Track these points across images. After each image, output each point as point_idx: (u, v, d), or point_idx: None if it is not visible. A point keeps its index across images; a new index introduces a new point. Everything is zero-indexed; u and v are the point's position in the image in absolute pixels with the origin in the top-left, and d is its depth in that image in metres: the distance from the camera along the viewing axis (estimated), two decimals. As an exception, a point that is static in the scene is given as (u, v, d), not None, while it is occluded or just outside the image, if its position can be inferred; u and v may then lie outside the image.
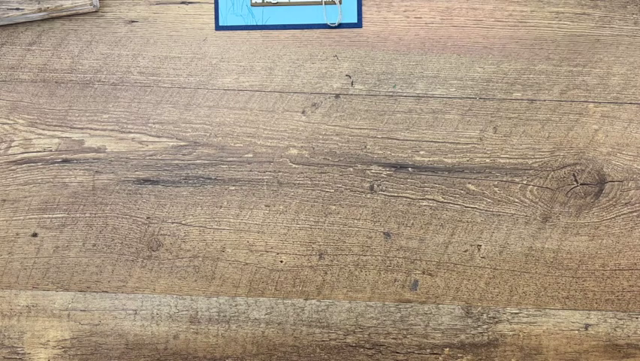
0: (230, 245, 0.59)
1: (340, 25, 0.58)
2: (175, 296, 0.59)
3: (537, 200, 0.58)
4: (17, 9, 0.56)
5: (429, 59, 0.58)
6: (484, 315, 0.59)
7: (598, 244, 0.58)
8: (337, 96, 0.59)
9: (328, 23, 0.55)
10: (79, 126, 0.59)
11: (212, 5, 0.59)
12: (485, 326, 0.59)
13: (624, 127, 0.58)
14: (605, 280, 0.59)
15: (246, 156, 0.59)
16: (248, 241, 0.59)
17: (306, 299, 0.59)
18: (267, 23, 0.58)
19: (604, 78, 0.58)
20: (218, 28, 0.58)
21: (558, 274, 0.59)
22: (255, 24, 0.58)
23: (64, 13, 0.57)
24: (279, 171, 0.59)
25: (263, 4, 0.58)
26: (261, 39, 0.59)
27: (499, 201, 0.59)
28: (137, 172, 0.59)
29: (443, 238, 0.59)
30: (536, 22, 0.58)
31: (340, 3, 0.56)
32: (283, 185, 0.59)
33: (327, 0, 0.55)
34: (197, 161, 0.59)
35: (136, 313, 0.59)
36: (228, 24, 0.58)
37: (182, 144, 0.59)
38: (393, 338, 0.59)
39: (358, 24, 0.58)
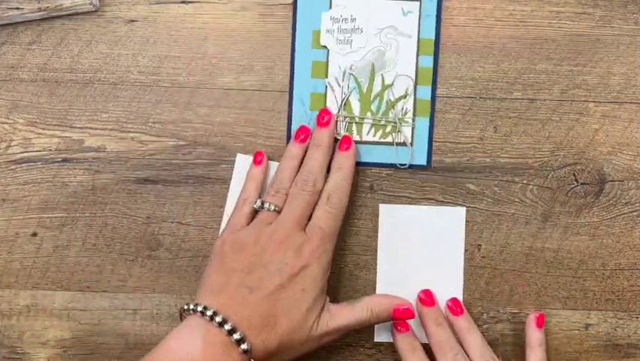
0: (230, 245, 0.59)
1: (411, 166, 0.58)
2: (175, 296, 0.59)
3: (537, 200, 0.58)
4: (17, 8, 0.56)
5: (429, 58, 0.58)
6: (485, 315, 0.59)
7: (598, 244, 0.58)
8: (337, 96, 0.59)
9: (398, 165, 0.57)
10: (79, 126, 0.59)
11: (213, 5, 0.58)
12: (485, 326, 0.59)
13: (624, 127, 0.58)
14: (606, 280, 0.59)
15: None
16: (248, 241, 0.59)
17: (306, 299, 0.58)
18: None
19: (604, 78, 0.58)
20: None
21: (558, 274, 0.59)
22: None
23: (63, 13, 0.57)
24: (279, 171, 0.59)
25: None
26: (262, 39, 0.59)
27: (499, 200, 0.59)
28: (136, 172, 0.59)
29: (443, 238, 0.59)
30: (537, 21, 0.58)
31: (412, 145, 0.57)
32: (283, 185, 0.59)
33: (398, 141, 0.57)
34: (197, 161, 0.59)
35: (136, 313, 0.59)
36: None
37: (182, 143, 0.59)
38: (393, 338, 0.58)
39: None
